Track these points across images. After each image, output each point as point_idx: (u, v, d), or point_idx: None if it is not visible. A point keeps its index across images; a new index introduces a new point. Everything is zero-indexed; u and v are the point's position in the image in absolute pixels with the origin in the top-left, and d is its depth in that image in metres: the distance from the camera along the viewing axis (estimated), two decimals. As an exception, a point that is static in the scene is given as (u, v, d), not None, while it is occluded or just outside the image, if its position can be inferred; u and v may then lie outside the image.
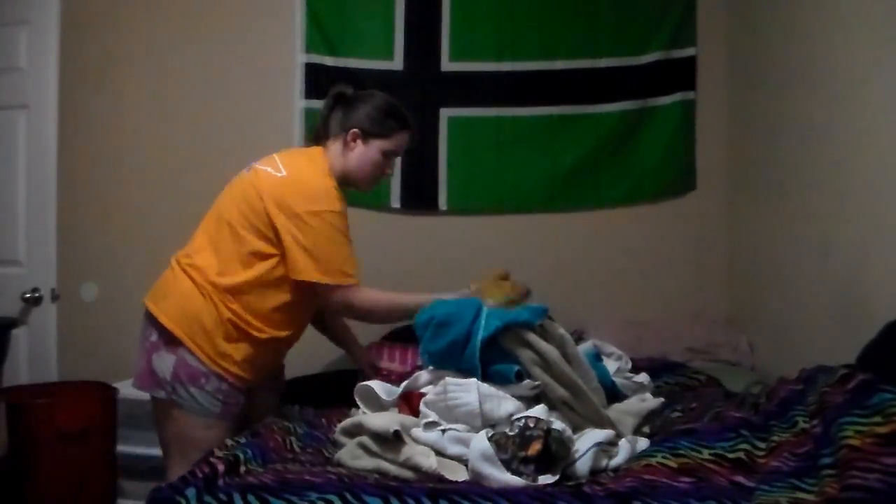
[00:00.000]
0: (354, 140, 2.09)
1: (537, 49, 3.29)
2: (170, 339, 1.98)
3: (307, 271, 1.98)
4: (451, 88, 3.29)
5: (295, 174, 2.02)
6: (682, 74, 3.30)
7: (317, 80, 3.25)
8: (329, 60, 3.25)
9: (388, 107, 2.12)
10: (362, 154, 2.10)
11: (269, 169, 2.04)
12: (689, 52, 3.30)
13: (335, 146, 2.12)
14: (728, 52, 3.29)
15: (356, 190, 2.18)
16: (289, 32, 3.25)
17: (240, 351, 2.01)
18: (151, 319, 2.03)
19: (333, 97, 2.18)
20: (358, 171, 2.11)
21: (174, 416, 2.00)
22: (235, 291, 2.00)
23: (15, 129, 2.88)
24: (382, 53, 3.27)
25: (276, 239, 1.99)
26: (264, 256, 2.01)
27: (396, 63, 3.28)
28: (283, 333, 2.08)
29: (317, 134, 2.18)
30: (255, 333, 2.02)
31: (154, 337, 2.01)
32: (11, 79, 2.88)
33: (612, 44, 3.28)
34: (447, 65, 3.29)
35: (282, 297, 2.03)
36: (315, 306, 2.15)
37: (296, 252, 1.97)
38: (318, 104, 3.22)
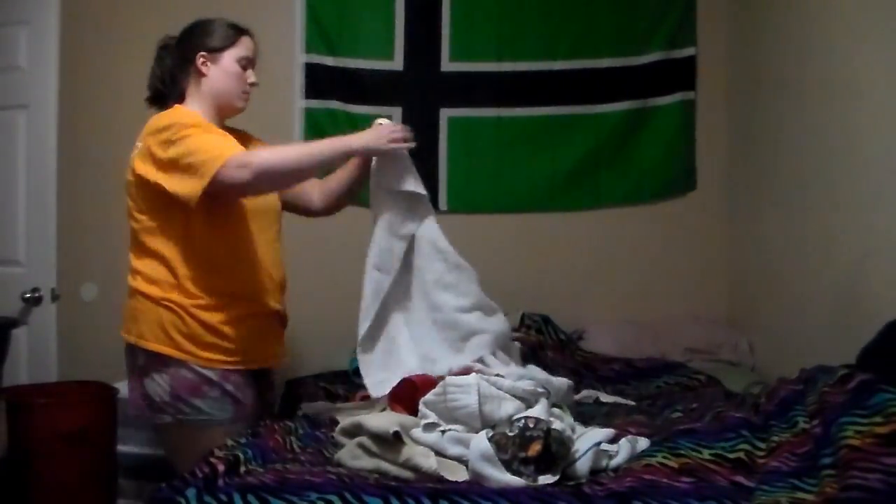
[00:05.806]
0: (205, 64, 2.01)
1: (537, 49, 3.29)
2: (156, 360, 1.94)
3: (190, 185, 1.83)
4: (451, 88, 3.29)
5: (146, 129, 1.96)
6: (682, 74, 3.30)
7: (317, 80, 3.25)
8: (329, 60, 3.25)
9: (216, 22, 2.04)
10: (219, 72, 2.02)
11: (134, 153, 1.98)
12: (689, 52, 3.30)
13: (192, 88, 2.04)
14: (728, 52, 3.29)
15: (234, 113, 2.08)
16: (289, 32, 3.24)
17: (219, 332, 1.95)
18: (132, 349, 1.98)
19: (161, 61, 2.08)
20: (224, 89, 2.03)
21: (189, 436, 1.93)
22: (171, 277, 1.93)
23: (15, 129, 2.87)
24: (382, 53, 3.27)
25: (149, 198, 1.91)
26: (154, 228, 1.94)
27: (396, 63, 3.27)
28: (234, 284, 1.98)
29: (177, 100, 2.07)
30: (213, 304, 1.94)
31: (141, 362, 1.96)
32: (11, 79, 2.87)
33: (612, 44, 3.29)
34: (447, 65, 3.28)
35: (191, 246, 1.93)
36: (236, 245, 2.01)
37: (172, 179, 1.85)
38: (318, 104, 3.25)
